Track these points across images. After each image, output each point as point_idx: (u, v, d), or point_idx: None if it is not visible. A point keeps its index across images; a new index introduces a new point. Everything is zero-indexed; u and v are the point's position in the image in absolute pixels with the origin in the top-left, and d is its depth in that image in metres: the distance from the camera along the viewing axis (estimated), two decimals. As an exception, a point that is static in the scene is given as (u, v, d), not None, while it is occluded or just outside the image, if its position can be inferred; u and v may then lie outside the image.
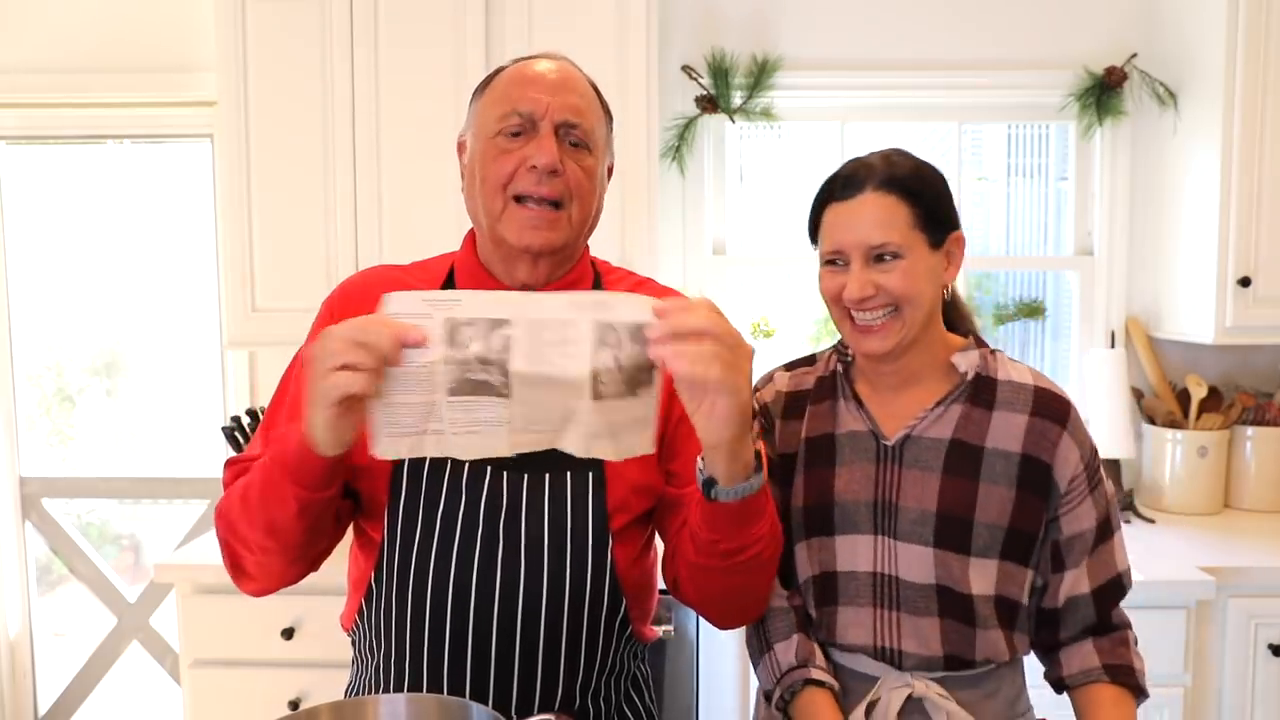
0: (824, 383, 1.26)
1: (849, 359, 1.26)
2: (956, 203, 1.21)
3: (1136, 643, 1.21)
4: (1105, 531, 1.18)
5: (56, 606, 2.82)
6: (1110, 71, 2.40)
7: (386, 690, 1.10)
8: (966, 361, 1.19)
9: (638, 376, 0.89)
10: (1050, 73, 2.45)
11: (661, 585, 1.20)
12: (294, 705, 1.98)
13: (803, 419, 1.24)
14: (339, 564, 1.15)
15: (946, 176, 1.20)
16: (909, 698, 1.14)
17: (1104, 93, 2.41)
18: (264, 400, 2.54)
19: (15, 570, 2.73)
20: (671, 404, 1.04)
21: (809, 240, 1.23)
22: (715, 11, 2.48)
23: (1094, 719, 1.16)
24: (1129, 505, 2.39)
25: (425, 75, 2.12)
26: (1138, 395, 2.51)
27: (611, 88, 2.09)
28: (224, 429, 2.27)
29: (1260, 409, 2.42)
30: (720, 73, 2.41)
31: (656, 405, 0.91)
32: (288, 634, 1.98)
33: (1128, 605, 1.22)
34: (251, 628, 1.99)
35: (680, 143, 2.43)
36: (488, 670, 1.06)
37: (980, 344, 1.22)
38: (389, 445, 0.89)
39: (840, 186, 1.16)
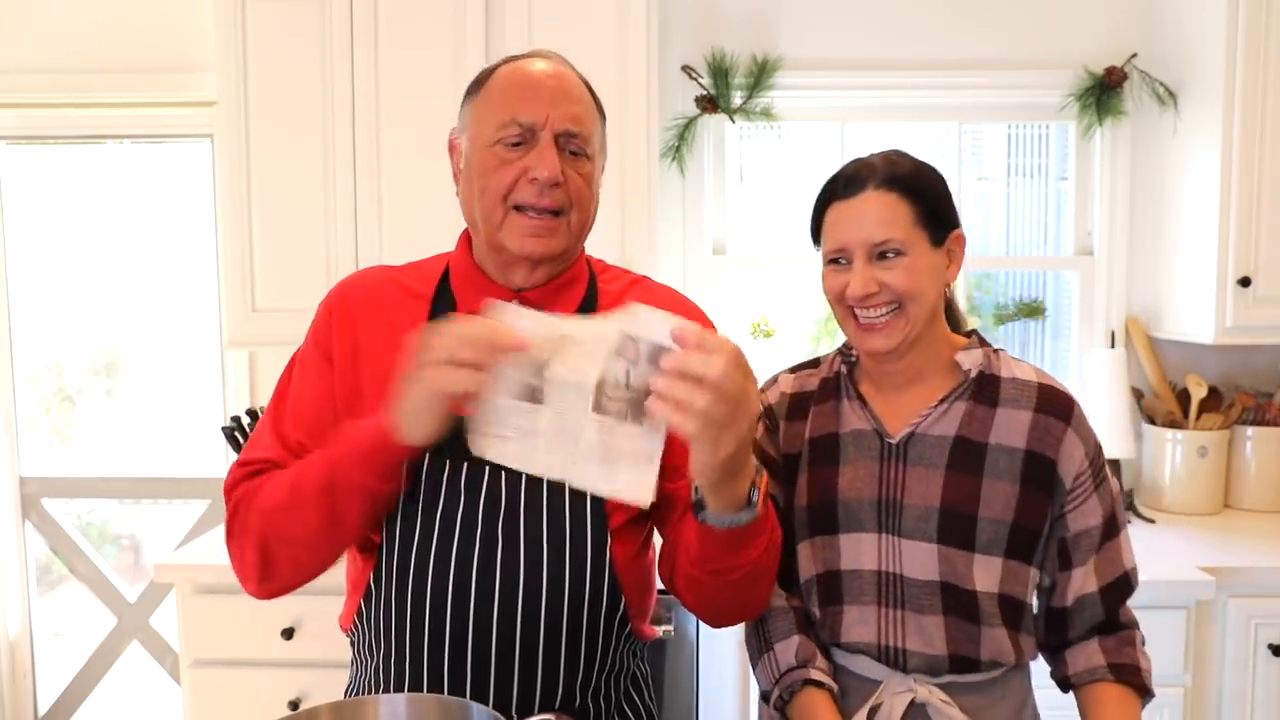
0: (828, 383, 1.26)
1: (853, 360, 1.26)
2: (956, 203, 1.21)
3: (1144, 643, 1.21)
4: (1112, 529, 1.18)
5: (56, 606, 2.82)
6: (1110, 71, 2.40)
7: (386, 690, 1.10)
8: (970, 359, 1.19)
9: (644, 403, 0.87)
10: (1050, 73, 2.45)
11: (661, 585, 1.20)
12: (294, 705, 1.98)
13: (807, 419, 1.24)
14: (338, 564, 1.15)
15: (946, 177, 1.20)
16: (912, 703, 1.14)
17: (1104, 93, 2.41)
18: (264, 400, 2.54)
19: (15, 570, 2.73)
20: None
21: (811, 241, 1.23)
22: (715, 11, 2.48)
23: (1098, 718, 1.16)
24: (1129, 505, 2.39)
25: (425, 75, 2.12)
26: (1138, 395, 2.51)
27: (611, 88, 2.10)
28: (224, 429, 2.27)
29: (1260, 409, 2.42)
30: (720, 73, 2.41)
31: (660, 445, 0.89)
32: (288, 634, 1.98)
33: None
34: (251, 628, 1.99)
35: (680, 143, 2.43)
36: (487, 670, 1.06)
37: (983, 343, 1.22)
38: (485, 443, 0.93)
39: (842, 186, 1.16)
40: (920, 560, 1.14)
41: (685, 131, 2.43)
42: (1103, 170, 2.52)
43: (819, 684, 1.16)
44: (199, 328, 2.71)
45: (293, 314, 2.02)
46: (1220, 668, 1.97)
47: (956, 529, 1.13)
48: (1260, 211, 2.16)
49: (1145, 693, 1.18)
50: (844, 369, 1.26)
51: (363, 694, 1.15)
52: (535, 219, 1.07)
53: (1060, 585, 1.19)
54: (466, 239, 1.18)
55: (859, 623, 1.16)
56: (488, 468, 1.07)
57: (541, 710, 1.07)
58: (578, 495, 1.08)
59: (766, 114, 2.44)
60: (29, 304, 2.74)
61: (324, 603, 1.93)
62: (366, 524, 1.04)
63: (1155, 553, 2.03)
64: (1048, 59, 2.47)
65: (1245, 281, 2.16)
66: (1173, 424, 2.43)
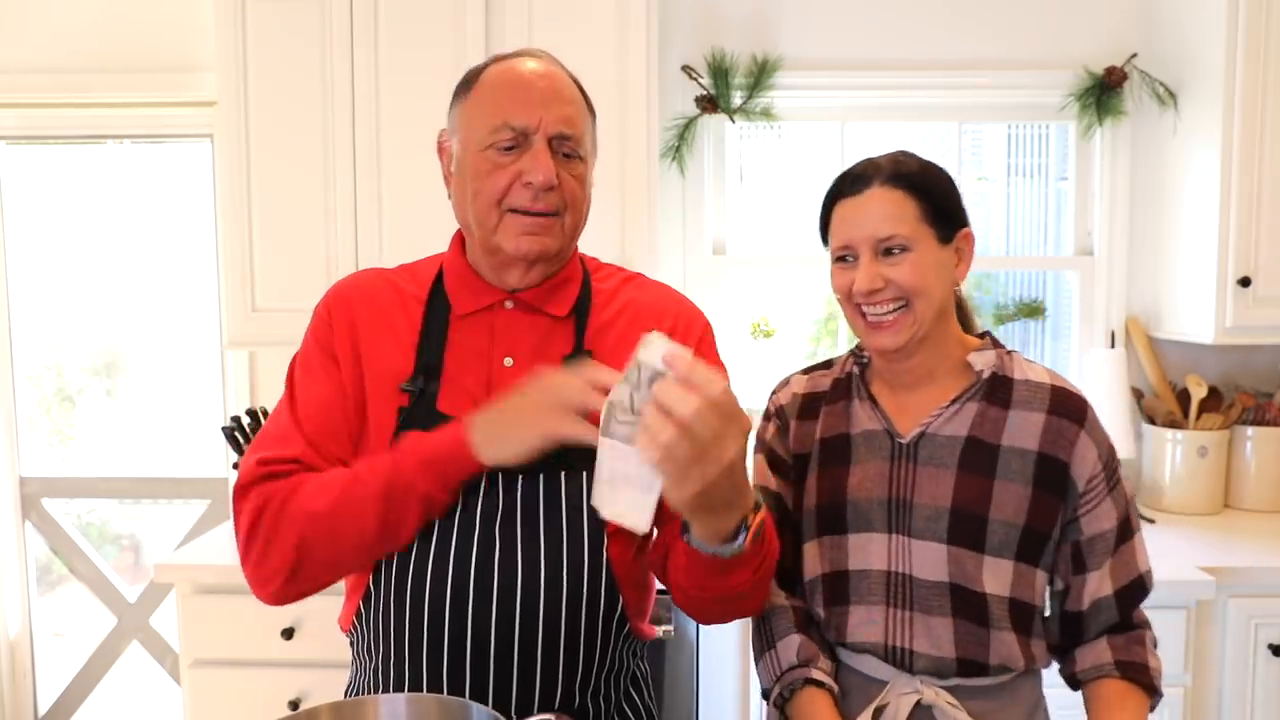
0: (840, 384, 1.26)
1: (865, 361, 1.26)
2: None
3: (1156, 645, 1.20)
4: (1126, 532, 1.18)
5: (56, 606, 2.82)
6: (1110, 71, 2.40)
7: (386, 691, 1.10)
8: (983, 360, 1.19)
9: None
10: (1050, 73, 2.45)
11: (660, 585, 1.20)
12: (294, 705, 1.98)
13: (818, 420, 1.25)
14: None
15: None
16: (918, 704, 1.13)
17: (1104, 93, 2.41)
18: (264, 400, 2.54)
19: (15, 570, 2.73)
20: None
21: (820, 240, 1.23)
22: (715, 11, 2.48)
23: (1102, 713, 1.16)
24: (1129, 505, 2.39)
25: (425, 75, 2.12)
26: (1138, 395, 2.51)
27: (611, 88, 2.10)
28: (224, 429, 2.27)
29: (1260, 409, 2.42)
30: (720, 73, 2.41)
31: (659, 480, 0.88)
32: (288, 634, 1.98)
33: (1126, 605, 1.22)
34: (252, 628, 1.99)
35: (680, 143, 2.43)
36: (487, 670, 1.06)
37: (996, 344, 1.22)
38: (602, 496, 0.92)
39: (849, 183, 1.17)
40: (930, 560, 1.13)
41: (685, 131, 2.43)
42: (1103, 170, 2.52)
43: (819, 684, 1.16)
44: (199, 328, 2.71)
45: (293, 314, 2.02)
46: (1220, 668, 1.97)
47: (967, 529, 1.13)
48: (1260, 211, 2.16)
49: (1153, 692, 1.17)
50: (856, 370, 1.26)
51: (362, 694, 1.15)
52: (531, 218, 1.07)
53: (1075, 589, 1.18)
54: (459, 240, 1.18)
55: (866, 623, 1.16)
56: (485, 471, 1.07)
57: (541, 710, 1.07)
58: (574, 494, 1.08)
59: (766, 114, 2.44)
60: (29, 304, 2.74)
61: (324, 603, 1.91)
62: (417, 532, 1.05)
63: (1155, 553, 1.99)
64: (1048, 59, 2.47)
65: (1245, 281, 2.16)
66: (1173, 424, 2.43)
